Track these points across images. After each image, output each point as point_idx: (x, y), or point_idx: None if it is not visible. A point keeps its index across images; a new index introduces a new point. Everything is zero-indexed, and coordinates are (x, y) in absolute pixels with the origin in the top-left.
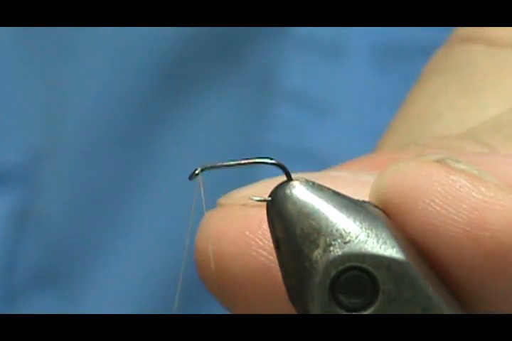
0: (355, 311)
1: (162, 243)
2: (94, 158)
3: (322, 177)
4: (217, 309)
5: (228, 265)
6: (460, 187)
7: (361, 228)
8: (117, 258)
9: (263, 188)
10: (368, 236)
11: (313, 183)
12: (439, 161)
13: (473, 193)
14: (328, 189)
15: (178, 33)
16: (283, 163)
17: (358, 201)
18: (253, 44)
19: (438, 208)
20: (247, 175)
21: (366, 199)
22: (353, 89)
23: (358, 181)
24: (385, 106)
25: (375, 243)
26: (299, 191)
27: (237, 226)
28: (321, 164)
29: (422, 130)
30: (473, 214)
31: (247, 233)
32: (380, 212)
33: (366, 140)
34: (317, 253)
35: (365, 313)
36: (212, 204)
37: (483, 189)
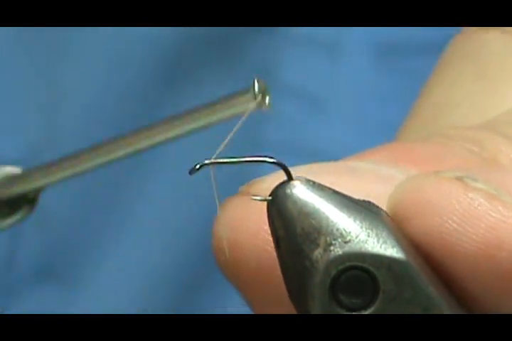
0: (356, 311)
1: (163, 239)
2: None
3: (341, 168)
4: (219, 309)
5: (242, 256)
6: (478, 205)
7: (361, 227)
8: (117, 253)
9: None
10: (369, 236)
11: (314, 183)
12: (457, 179)
13: (491, 212)
14: (329, 188)
15: (177, 30)
16: (281, 159)
17: (358, 200)
18: (252, 40)
19: (455, 225)
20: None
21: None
22: (352, 86)
23: (377, 175)
24: (384, 103)
25: (375, 242)
26: (300, 190)
27: (256, 219)
28: (318, 159)
29: (440, 119)
30: (490, 234)
31: (266, 227)
32: (381, 212)
33: (365, 136)
34: (317, 252)
35: (366, 313)
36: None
37: (501, 208)
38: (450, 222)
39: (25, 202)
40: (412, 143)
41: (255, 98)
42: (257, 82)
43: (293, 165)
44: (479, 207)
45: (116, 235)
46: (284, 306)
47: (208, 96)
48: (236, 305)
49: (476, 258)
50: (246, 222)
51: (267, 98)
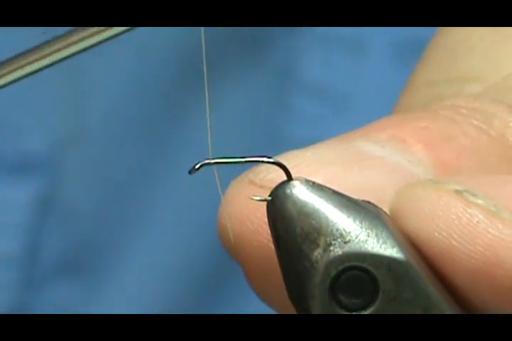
0: (356, 311)
1: (185, 235)
2: (118, 147)
3: (349, 152)
4: (224, 309)
5: (246, 245)
6: (477, 222)
7: (361, 228)
8: (140, 250)
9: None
10: (368, 236)
11: (314, 183)
12: (457, 193)
13: (490, 230)
14: (329, 188)
15: (198, 30)
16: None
17: (358, 201)
18: (274, 37)
19: (454, 242)
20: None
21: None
22: (373, 84)
23: (385, 164)
24: None
25: (375, 242)
26: (299, 191)
27: (260, 211)
28: None
29: (453, 63)
30: (488, 251)
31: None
32: (380, 212)
33: None
34: (317, 252)
35: (365, 313)
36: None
37: (500, 226)
38: (449, 238)
39: None
40: (421, 117)
41: None
42: None
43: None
44: (478, 224)
45: (138, 232)
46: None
47: (229, 89)
48: (254, 304)
49: (474, 275)
50: (250, 214)
51: None
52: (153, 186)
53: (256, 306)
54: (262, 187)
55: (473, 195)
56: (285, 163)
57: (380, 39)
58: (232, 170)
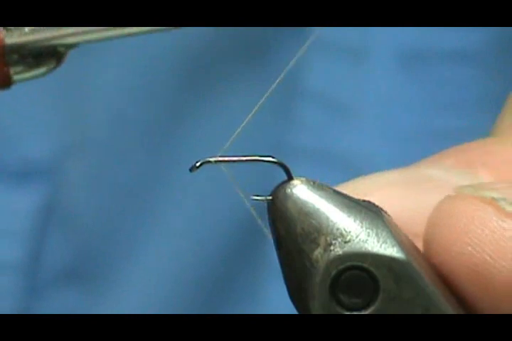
0: (356, 310)
1: (188, 242)
2: (120, 154)
3: (413, 175)
4: (223, 309)
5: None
6: (511, 237)
7: (362, 227)
8: (142, 254)
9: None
10: (369, 236)
11: (314, 182)
12: (493, 202)
13: None
14: (329, 188)
15: (203, 34)
16: (306, 165)
17: (358, 200)
18: (277, 45)
19: (487, 257)
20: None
21: None
22: (377, 92)
23: (444, 186)
24: (410, 109)
25: (375, 242)
26: (300, 190)
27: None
28: (344, 166)
29: None
30: None
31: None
32: (381, 212)
33: (390, 142)
34: (318, 252)
35: (366, 312)
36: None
37: None
38: (482, 252)
39: (52, 55)
40: (489, 142)
41: None
42: None
43: (315, 169)
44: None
45: (141, 239)
46: None
47: (232, 96)
48: (260, 310)
49: (502, 291)
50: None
51: None
52: (156, 193)
53: (261, 311)
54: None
55: (511, 203)
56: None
57: (383, 47)
58: (233, 169)
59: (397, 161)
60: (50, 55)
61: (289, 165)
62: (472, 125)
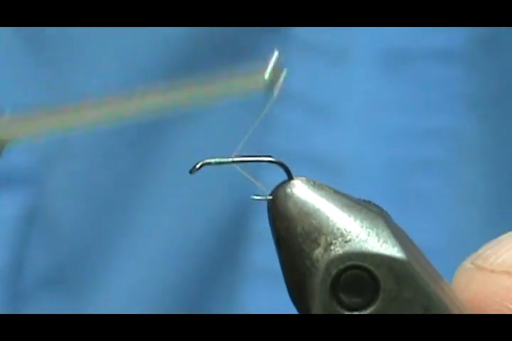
0: (356, 310)
1: (170, 245)
2: (103, 161)
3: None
4: (223, 309)
5: None
6: None
7: (362, 227)
8: (125, 260)
9: None
10: (369, 235)
11: (314, 182)
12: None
13: None
14: (329, 188)
15: (183, 38)
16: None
17: (359, 200)
18: (257, 47)
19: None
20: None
21: None
22: (358, 93)
23: None
24: (392, 110)
25: (375, 242)
26: (300, 190)
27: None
28: (327, 168)
29: None
30: None
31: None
32: (382, 211)
33: (373, 143)
34: (318, 252)
35: (366, 312)
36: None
37: None
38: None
39: None
40: None
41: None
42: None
43: (297, 171)
44: None
45: (125, 241)
46: None
47: (217, 107)
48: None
49: None
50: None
51: (280, 81)
52: (138, 198)
53: (249, 311)
54: (493, 271)
55: None
56: None
57: (365, 48)
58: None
59: (380, 162)
60: None
61: (270, 167)
62: (456, 125)
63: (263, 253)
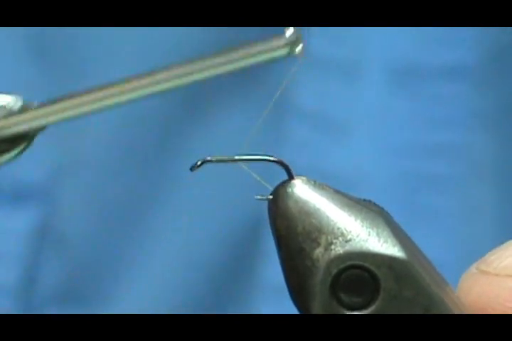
0: (356, 309)
1: (183, 258)
2: (114, 176)
3: None
4: (223, 310)
5: None
6: None
7: (362, 227)
8: (137, 274)
9: None
10: (369, 235)
11: (315, 182)
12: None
13: None
14: (330, 187)
15: (194, 41)
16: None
17: (359, 200)
18: (268, 64)
19: None
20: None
21: None
22: (368, 109)
23: None
24: (402, 126)
25: (376, 242)
26: (301, 189)
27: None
28: (336, 183)
29: None
30: None
31: None
32: (382, 211)
33: (382, 159)
34: (318, 251)
35: (366, 312)
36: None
37: None
38: None
39: (22, 138)
40: None
41: (287, 44)
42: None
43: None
44: None
45: (137, 256)
46: None
47: (224, 115)
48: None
49: None
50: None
51: (300, 46)
52: (151, 213)
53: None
54: (497, 275)
55: None
56: None
57: (375, 64)
58: (233, 170)
59: (390, 178)
60: (20, 139)
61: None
62: (464, 141)
63: (277, 266)
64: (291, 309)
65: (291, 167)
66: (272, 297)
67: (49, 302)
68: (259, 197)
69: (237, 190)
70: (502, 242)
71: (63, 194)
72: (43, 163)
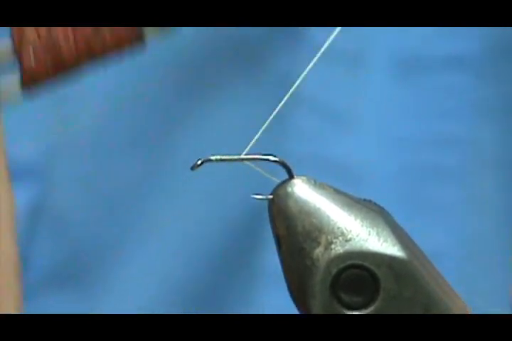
0: (356, 309)
1: (178, 239)
2: (109, 154)
3: None
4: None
5: None
6: None
7: (362, 226)
8: (132, 254)
9: None
10: (369, 235)
11: (315, 181)
12: None
13: None
14: (330, 187)
15: (200, 40)
16: (302, 172)
17: (359, 199)
18: (274, 53)
19: None
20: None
21: None
22: (373, 100)
23: None
24: (406, 116)
25: (376, 241)
26: (301, 189)
27: None
28: (340, 173)
29: None
30: None
31: None
32: (382, 211)
33: (386, 149)
34: (318, 251)
35: (366, 311)
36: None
37: None
38: None
39: None
40: None
41: None
42: None
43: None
44: None
45: (130, 239)
46: None
47: (228, 103)
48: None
49: None
50: None
51: None
52: (146, 192)
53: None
54: None
55: None
56: None
57: (380, 54)
58: (234, 168)
59: (394, 168)
60: None
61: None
62: (470, 132)
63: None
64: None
65: (291, 166)
66: (272, 285)
67: (44, 280)
68: (259, 196)
69: (237, 182)
70: (505, 232)
71: (58, 173)
72: (39, 142)
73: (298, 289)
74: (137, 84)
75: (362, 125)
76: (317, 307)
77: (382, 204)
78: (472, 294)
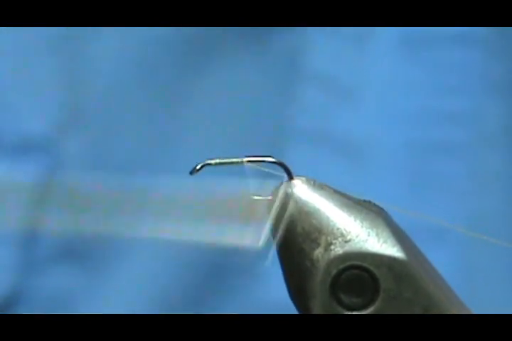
0: (356, 310)
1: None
2: (119, 129)
3: None
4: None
5: None
6: None
7: (362, 227)
8: (144, 233)
9: None
10: (369, 235)
11: (315, 182)
12: None
13: None
14: (329, 188)
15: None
16: (308, 147)
17: (359, 200)
18: (281, 29)
19: None
20: None
21: None
22: (379, 74)
23: None
24: (412, 92)
25: (375, 242)
26: (300, 190)
27: None
28: (344, 148)
29: None
30: None
31: None
32: (381, 211)
33: (392, 125)
34: (318, 252)
35: (366, 312)
36: None
37: None
38: None
39: None
40: None
41: None
42: None
43: (317, 151)
44: None
45: (141, 216)
46: None
47: (234, 77)
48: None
49: None
50: None
51: None
52: (155, 168)
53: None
54: None
55: None
56: None
57: (386, 31)
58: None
59: (400, 144)
60: None
61: (289, 147)
62: (474, 108)
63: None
64: None
65: (290, 166)
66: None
67: (51, 254)
68: (258, 197)
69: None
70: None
71: (67, 146)
72: (47, 115)
73: (297, 290)
74: (141, 60)
75: (368, 100)
76: (317, 308)
77: (387, 179)
78: (474, 272)
